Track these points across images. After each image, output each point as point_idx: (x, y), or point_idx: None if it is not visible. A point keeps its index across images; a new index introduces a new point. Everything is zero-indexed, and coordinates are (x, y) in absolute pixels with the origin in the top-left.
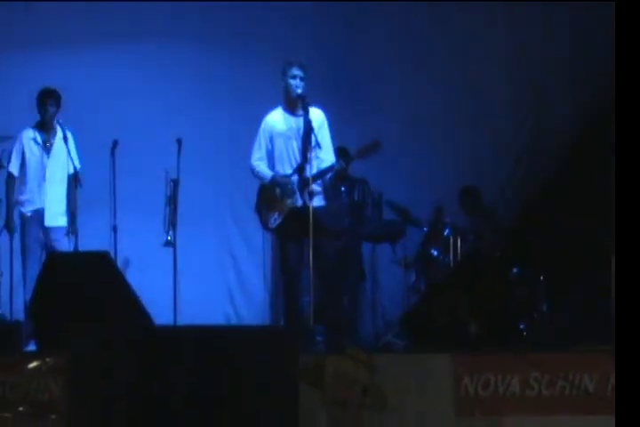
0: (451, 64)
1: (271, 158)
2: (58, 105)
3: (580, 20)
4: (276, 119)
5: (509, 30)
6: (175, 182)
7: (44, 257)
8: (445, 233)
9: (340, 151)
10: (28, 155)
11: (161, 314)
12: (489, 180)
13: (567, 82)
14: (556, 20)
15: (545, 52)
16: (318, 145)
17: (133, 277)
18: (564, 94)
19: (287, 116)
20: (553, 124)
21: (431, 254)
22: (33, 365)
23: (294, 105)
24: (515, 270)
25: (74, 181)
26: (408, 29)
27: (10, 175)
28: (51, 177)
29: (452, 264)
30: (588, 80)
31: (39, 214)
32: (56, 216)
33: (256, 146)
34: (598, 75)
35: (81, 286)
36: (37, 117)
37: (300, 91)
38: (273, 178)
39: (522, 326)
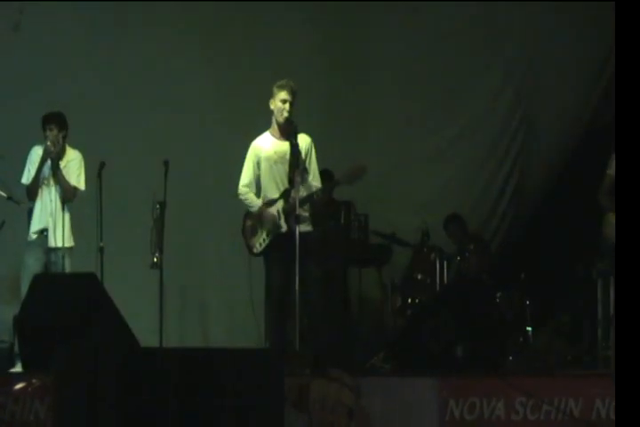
0: (438, 88)
1: (259, 183)
2: (61, 127)
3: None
4: (264, 144)
5: (497, 54)
6: (162, 204)
7: None
8: (431, 256)
9: (324, 174)
10: (35, 172)
11: (146, 336)
12: (476, 204)
13: (555, 107)
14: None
15: (532, 78)
16: (306, 170)
17: (119, 299)
18: (550, 120)
19: (275, 140)
20: (540, 149)
21: (417, 278)
22: (19, 386)
23: (282, 129)
24: (500, 294)
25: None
26: (392, 51)
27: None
28: (55, 197)
29: (438, 288)
30: (575, 105)
31: (43, 234)
32: (60, 237)
33: (244, 171)
34: (587, 99)
35: (67, 307)
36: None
37: (288, 115)
38: (260, 209)
39: (507, 350)
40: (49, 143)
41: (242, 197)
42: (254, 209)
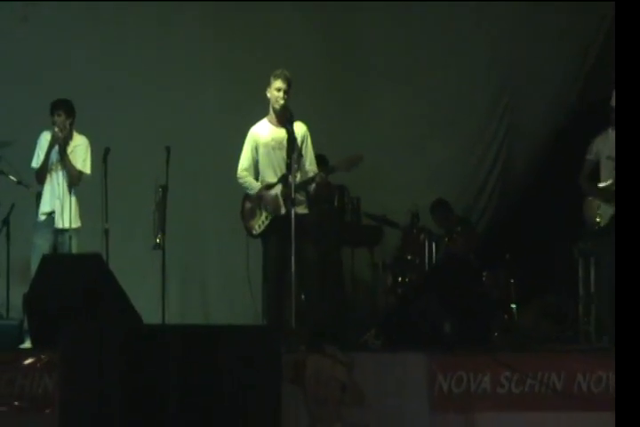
0: (429, 77)
1: (257, 168)
2: (68, 114)
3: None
4: (262, 130)
5: (483, 39)
6: (164, 188)
7: None
8: (421, 237)
9: (319, 159)
10: (43, 157)
11: (149, 314)
12: (464, 187)
13: (540, 90)
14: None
15: (517, 61)
16: (301, 156)
17: (123, 278)
18: (536, 103)
19: (272, 127)
20: (526, 132)
21: (407, 258)
22: (28, 361)
23: (279, 117)
24: (487, 273)
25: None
26: (386, 44)
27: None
28: (63, 181)
29: (427, 267)
30: (561, 88)
31: (51, 216)
32: (67, 219)
33: (243, 155)
34: (572, 82)
35: (74, 286)
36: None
37: (283, 103)
38: (259, 192)
39: (493, 327)
40: (57, 129)
41: (241, 181)
42: (253, 192)
